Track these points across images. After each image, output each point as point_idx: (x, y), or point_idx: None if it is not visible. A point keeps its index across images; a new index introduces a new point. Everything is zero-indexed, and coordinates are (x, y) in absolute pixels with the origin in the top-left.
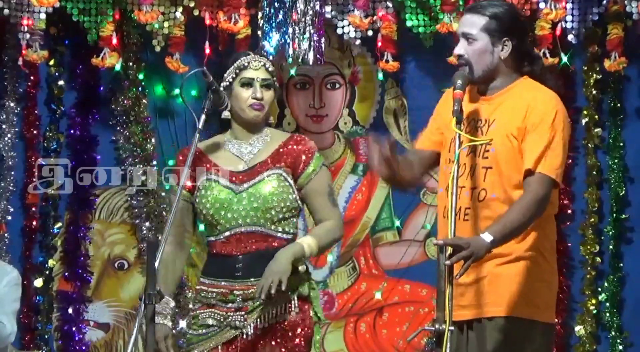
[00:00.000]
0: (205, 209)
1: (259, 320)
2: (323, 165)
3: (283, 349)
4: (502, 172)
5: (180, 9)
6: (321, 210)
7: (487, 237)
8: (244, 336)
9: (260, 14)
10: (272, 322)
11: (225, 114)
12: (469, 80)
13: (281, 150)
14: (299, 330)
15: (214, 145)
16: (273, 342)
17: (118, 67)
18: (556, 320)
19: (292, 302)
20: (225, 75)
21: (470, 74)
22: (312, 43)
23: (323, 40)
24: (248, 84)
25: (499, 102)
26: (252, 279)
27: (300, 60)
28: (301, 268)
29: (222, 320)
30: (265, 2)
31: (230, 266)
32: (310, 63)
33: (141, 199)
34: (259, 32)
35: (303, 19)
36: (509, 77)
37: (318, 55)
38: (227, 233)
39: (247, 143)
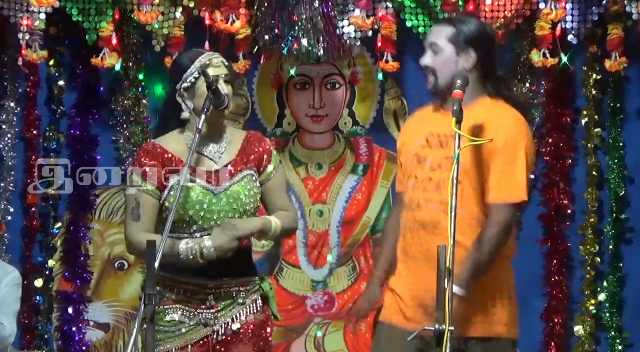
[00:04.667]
0: (184, 210)
1: (231, 320)
2: (280, 163)
3: (254, 349)
4: (469, 186)
5: (180, 9)
6: (279, 203)
7: (459, 291)
8: (215, 336)
9: (262, 14)
10: (243, 322)
11: (185, 114)
12: (435, 90)
13: (246, 149)
14: (267, 329)
15: (178, 144)
16: (245, 343)
17: (118, 67)
18: (556, 320)
19: (257, 301)
20: (184, 76)
21: (435, 84)
22: (323, 40)
23: (340, 33)
24: (214, 82)
25: (465, 117)
26: (224, 278)
27: (317, 57)
28: (264, 242)
29: (191, 317)
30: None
31: (203, 264)
32: (330, 60)
33: None
34: (260, 31)
35: (311, 17)
36: (471, 92)
37: (330, 53)
38: (203, 232)
39: (212, 142)
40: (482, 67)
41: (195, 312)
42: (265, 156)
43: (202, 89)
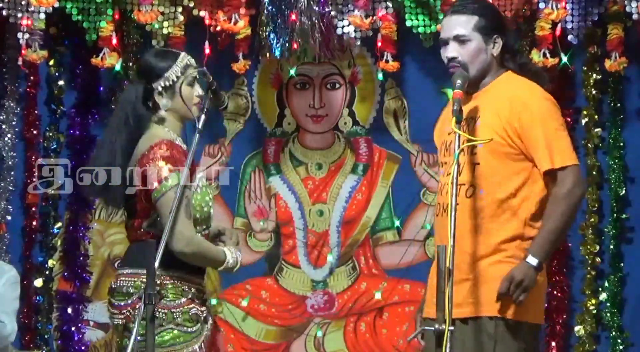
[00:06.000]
0: (208, 207)
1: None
2: None
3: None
4: (489, 167)
5: (180, 9)
6: None
7: (532, 260)
8: (212, 330)
9: (262, 14)
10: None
11: (162, 113)
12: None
13: None
14: None
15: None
16: (215, 334)
17: (118, 67)
18: (557, 320)
19: None
20: (166, 74)
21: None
22: (318, 40)
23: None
24: (193, 82)
25: (482, 98)
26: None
27: (308, 57)
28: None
29: (201, 315)
30: (266, 1)
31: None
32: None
33: None
34: (260, 32)
35: (308, 17)
36: (495, 73)
37: (326, 52)
38: (207, 231)
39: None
40: (504, 48)
41: (202, 310)
42: None
43: (185, 89)
